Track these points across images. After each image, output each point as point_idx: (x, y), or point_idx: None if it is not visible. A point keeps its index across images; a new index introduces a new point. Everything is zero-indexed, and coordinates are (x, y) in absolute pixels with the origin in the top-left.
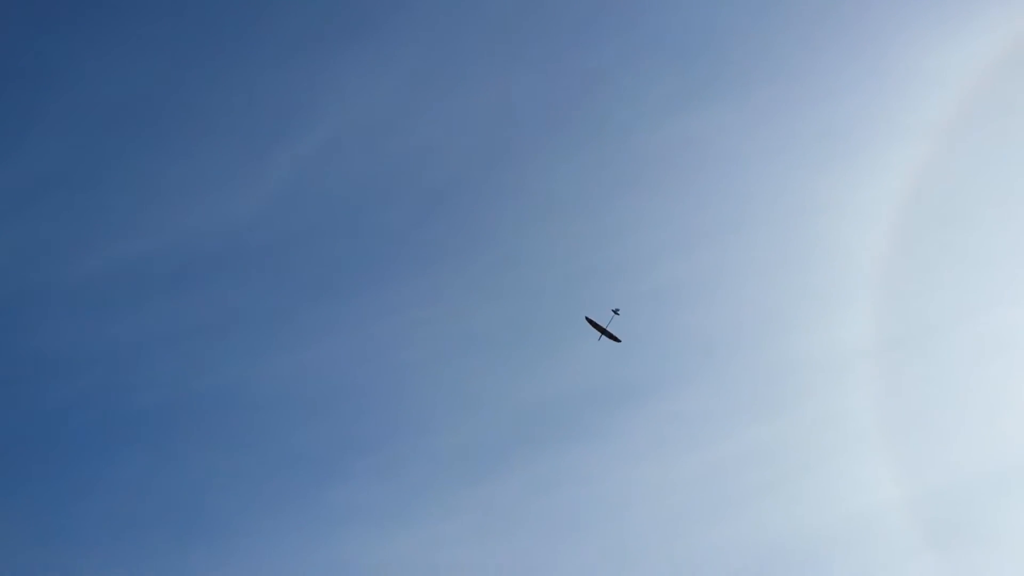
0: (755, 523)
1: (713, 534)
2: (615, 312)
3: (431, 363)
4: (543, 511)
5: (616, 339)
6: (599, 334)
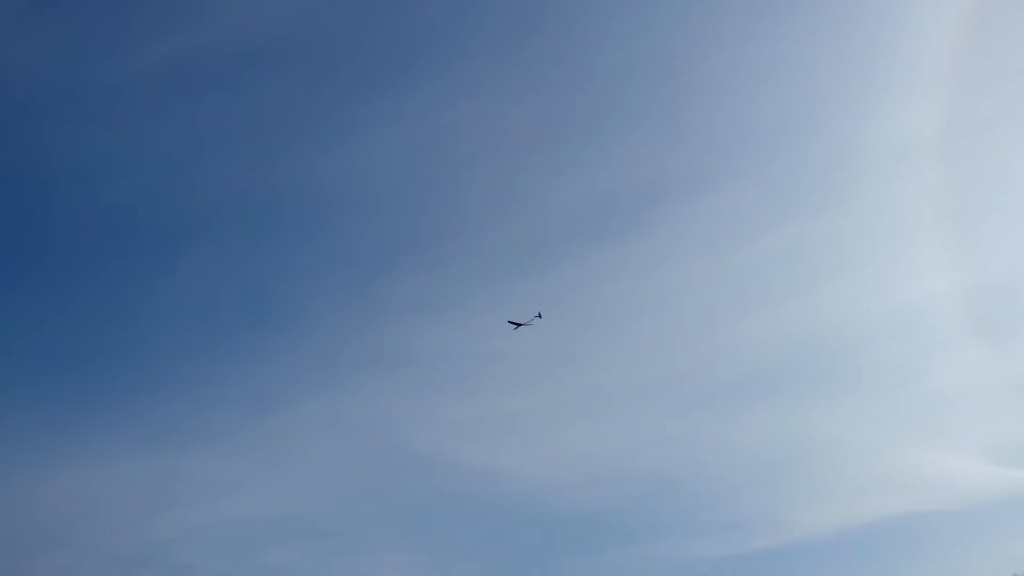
0: (802, 314)
1: (760, 326)
2: (539, 316)
3: (478, 158)
4: (588, 305)
5: (526, 324)
6: (516, 327)
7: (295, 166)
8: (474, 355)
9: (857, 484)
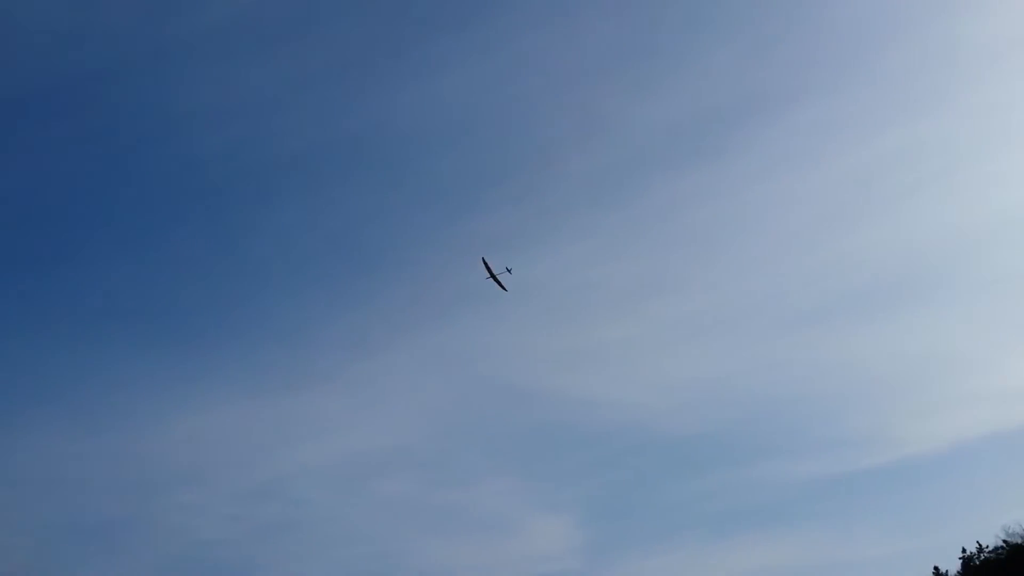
0: (911, 223)
1: (866, 238)
2: (508, 270)
3: (558, 86)
4: (683, 227)
5: (503, 287)
6: (488, 275)
7: (375, 107)
8: (568, 285)
9: (972, 397)
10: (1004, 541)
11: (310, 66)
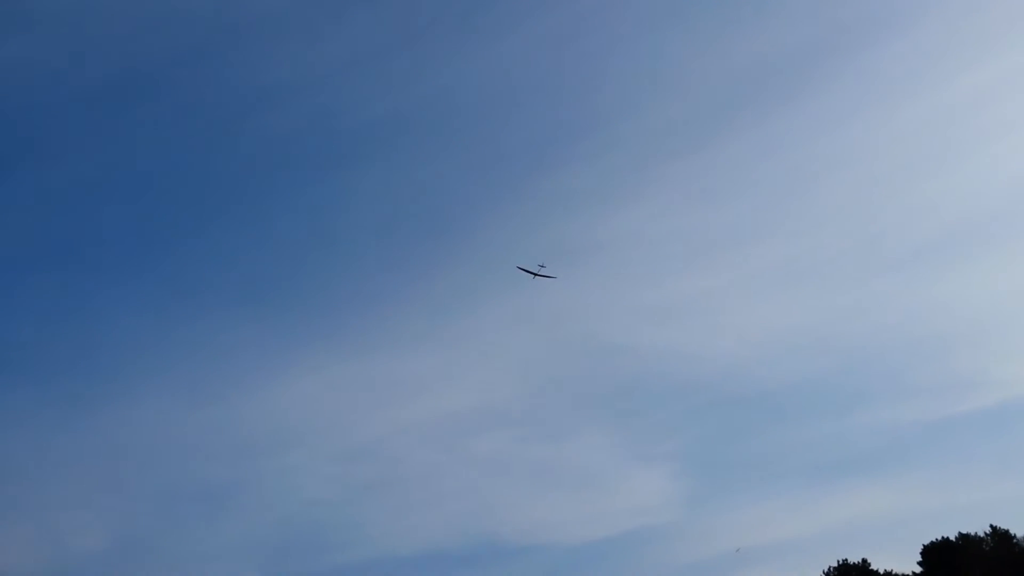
0: (1012, 157)
1: (964, 174)
2: (542, 266)
3: (624, 40)
4: (769, 174)
5: (551, 276)
6: (534, 275)
7: (447, 73)
8: (652, 238)
9: None
10: None
11: (381, 36)
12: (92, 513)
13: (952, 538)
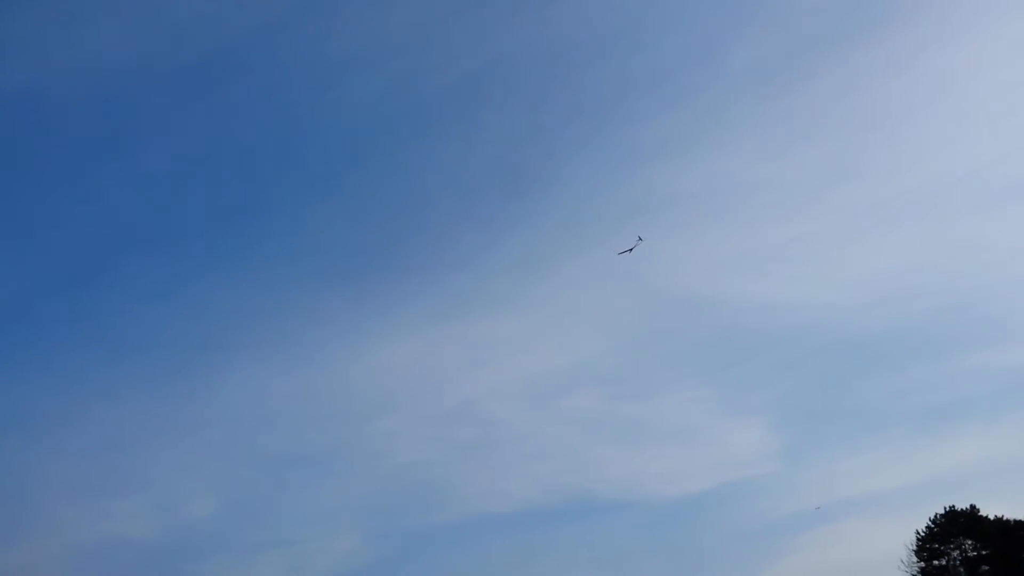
0: None
1: None
2: (640, 239)
3: None
4: (857, 111)
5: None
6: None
7: (518, 29)
8: (737, 186)
9: None
10: None
11: (448, 1)
12: (201, 480)
13: None
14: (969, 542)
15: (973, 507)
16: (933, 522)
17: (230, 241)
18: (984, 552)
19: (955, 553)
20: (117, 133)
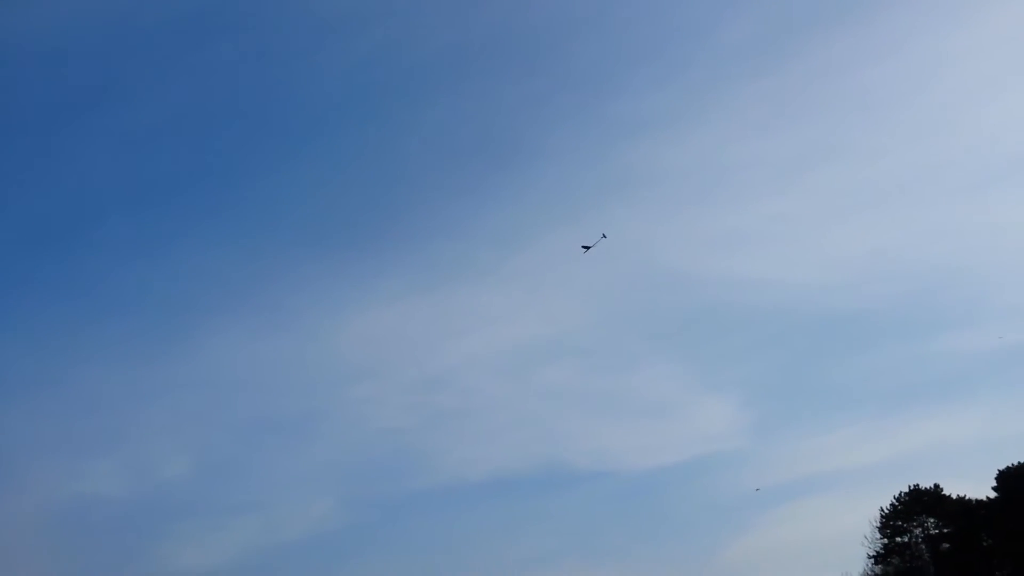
0: None
1: None
2: (603, 236)
3: None
4: (840, 94)
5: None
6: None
7: (507, 1)
8: (719, 164)
9: None
10: None
11: None
12: (177, 442)
13: None
14: (931, 520)
15: (937, 486)
16: (897, 500)
17: (210, 203)
18: (946, 530)
19: (917, 531)
20: (101, 89)
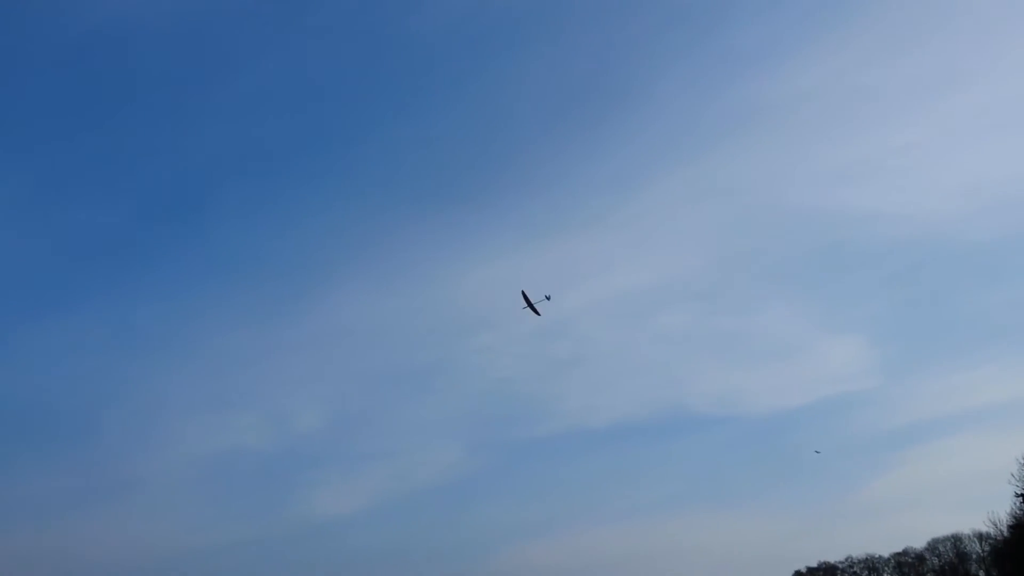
0: None
1: None
2: (547, 297)
3: None
4: (957, 17)
5: (536, 312)
6: (525, 305)
7: None
8: (839, 92)
9: None
10: None
11: None
12: (310, 396)
13: None
14: None
15: None
16: None
17: (323, 165)
18: None
19: None
20: (211, 64)
